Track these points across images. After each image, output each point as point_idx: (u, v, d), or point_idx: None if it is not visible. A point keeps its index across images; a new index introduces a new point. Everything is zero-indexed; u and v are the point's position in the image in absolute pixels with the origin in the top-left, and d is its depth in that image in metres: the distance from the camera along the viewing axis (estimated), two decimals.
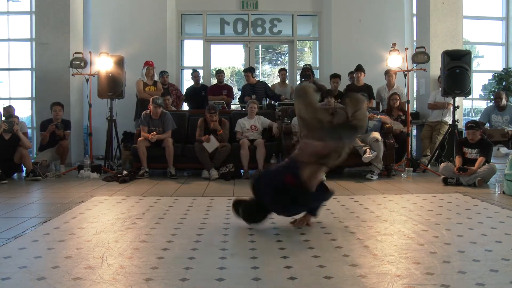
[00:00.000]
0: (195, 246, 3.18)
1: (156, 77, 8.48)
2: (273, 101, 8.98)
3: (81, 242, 3.26)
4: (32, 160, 6.99)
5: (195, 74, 9.30)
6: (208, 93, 9.00)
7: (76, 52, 7.51)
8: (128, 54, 8.22)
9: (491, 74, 10.86)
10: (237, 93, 10.60)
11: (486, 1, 11.24)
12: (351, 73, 8.72)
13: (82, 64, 7.36)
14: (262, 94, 8.71)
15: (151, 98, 7.16)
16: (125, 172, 6.70)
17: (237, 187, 6.00)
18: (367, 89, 8.22)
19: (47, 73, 8.31)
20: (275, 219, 3.99)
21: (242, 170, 6.94)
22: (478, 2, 11.03)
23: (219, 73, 9.29)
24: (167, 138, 6.94)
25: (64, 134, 7.32)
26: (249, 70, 9.02)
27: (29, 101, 10.21)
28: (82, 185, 6.15)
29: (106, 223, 3.86)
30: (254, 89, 8.76)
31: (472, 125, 6.08)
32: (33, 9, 9.06)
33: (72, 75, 7.66)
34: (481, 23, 11.22)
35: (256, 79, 9.08)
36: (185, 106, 9.51)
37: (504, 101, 7.50)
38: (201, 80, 9.57)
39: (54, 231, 3.59)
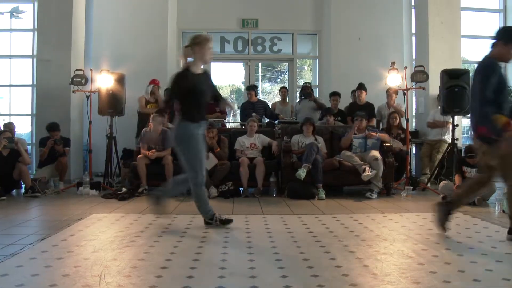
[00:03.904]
0: (194, 264, 3.16)
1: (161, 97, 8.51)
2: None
3: (79, 260, 3.24)
4: (31, 177, 6.98)
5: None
6: None
7: (77, 69, 7.56)
8: (129, 71, 8.25)
9: None
10: (236, 111, 10.62)
11: (483, 21, 11.34)
12: (353, 92, 8.74)
13: (83, 81, 7.41)
14: (261, 113, 8.72)
15: (152, 115, 7.18)
16: (124, 189, 6.69)
17: (236, 205, 5.99)
18: (368, 108, 8.25)
19: (48, 90, 8.35)
20: (274, 237, 3.98)
21: (242, 188, 6.92)
22: (476, 22, 11.12)
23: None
24: (167, 155, 6.93)
25: (63, 151, 7.33)
26: (252, 88, 9.02)
27: (29, 117, 10.23)
28: (81, 202, 6.14)
29: (105, 241, 3.84)
30: (254, 107, 8.77)
31: (472, 155, 6.09)
32: (35, 26, 9.16)
33: (73, 92, 7.68)
34: (479, 42, 11.30)
35: (257, 97, 9.09)
36: None
37: None
38: None
39: (52, 248, 3.57)
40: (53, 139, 7.25)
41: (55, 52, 8.38)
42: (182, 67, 4.40)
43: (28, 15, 10.18)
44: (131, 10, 9.91)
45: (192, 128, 4.29)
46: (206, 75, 4.58)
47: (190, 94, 4.31)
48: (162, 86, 8.86)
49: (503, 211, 5.36)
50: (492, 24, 11.19)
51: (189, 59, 4.46)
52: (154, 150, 6.97)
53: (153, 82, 8.36)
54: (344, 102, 8.82)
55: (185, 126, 4.27)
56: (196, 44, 4.33)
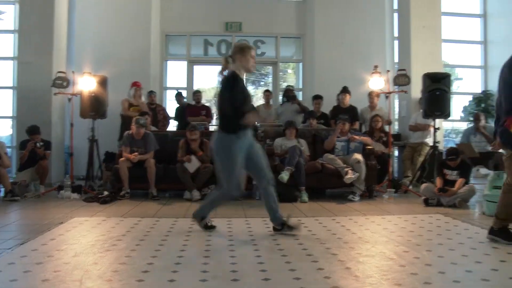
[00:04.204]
0: (176, 268, 3.14)
1: (143, 98, 8.47)
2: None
3: (59, 264, 3.20)
4: (11, 180, 6.88)
5: (197, 95, 9.23)
6: (187, 114, 8.97)
7: (59, 71, 7.48)
8: (111, 74, 8.18)
9: (471, 96, 11.07)
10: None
11: (465, 26, 11.50)
12: (339, 95, 8.78)
13: (65, 84, 7.33)
14: None
15: (134, 118, 7.13)
16: (106, 192, 6.63)
17: (219, 209, 5.94)
18: (352, 111, 8.30)
19: (29, 92, 8.25)
20: (256, 241, 3.98)
21: None
22: (457, 27, 11.28)
23: (197, 93, 9.30)
24: (149, 158, 6.89)
25: (44, 154, 7.24)
26: None
27: (10, 120, 10.09)
28: (62, 206, 6.07)
29: (86, 245, 3.79)
30: None
31: (453, 157, 6.17)
32: (17, 28, 9.04)
33: (54, 94, 7.61)
34: (460, 46, 11.47)
35: None
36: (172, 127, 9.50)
37: (482, 122, 7.62)
38: (185, 100, 9.59)
39: (32, 253, 3.52)
40: (33, 141, 7.16)
41: (37, 54, 8.29)
42: (230, 73, 4.13)
43: (9, 16, 10.06)
44: (114, 12, 9.84)
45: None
46: None
47: (246, 101, 4.15)
48: (144, 88, 8.84)
49: (483, 213, 5.43)
50: (473, 29, 11.36)
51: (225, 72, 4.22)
52: (136, 153, 6.92)
53: (135, 84, 8.32)
54: (327, 105, 8.84)
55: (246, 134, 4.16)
56: (237, 52, 4.15)
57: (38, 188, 7.24)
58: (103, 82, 7.56)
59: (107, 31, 9.77)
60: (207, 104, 9.85)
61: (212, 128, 9.29)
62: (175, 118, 9.39)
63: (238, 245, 3.85)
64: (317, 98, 8.68)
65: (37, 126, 7.29)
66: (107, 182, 7.62)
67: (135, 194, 6.98)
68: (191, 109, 9.17)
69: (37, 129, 7.25)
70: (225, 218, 5.13)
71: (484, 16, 11.19)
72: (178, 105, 9.47)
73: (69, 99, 7.42)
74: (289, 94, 8.86)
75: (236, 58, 4.14)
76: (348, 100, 8.50)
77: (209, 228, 4.44)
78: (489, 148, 7.38)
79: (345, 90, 8.49)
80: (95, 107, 7.46)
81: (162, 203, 6.40)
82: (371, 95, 8.45)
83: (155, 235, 4.26)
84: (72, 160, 7.51)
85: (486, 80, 11.07)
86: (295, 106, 8.71)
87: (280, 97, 10.04)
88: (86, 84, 7.34)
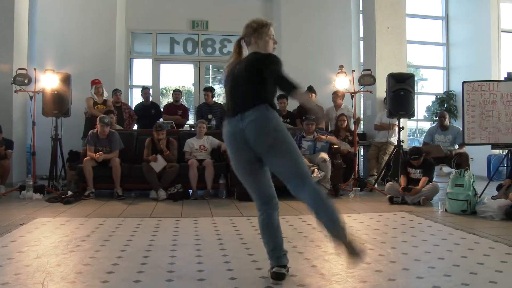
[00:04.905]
0: (142, 268, 3.10)
1: (105, 94, 8.35)
2: None
3: (20, 267, 3.11)
4: None
5: (145, 91, 9.13)
6: (163, 112, 8.92)
7: (19, 68, 7.27)
8: (75, 71, 8.02)
9: (434, 96, 11.32)
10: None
11: (428, 28, 11.76)
12: None
13: (26, 81, 7.13)
14: (218, 115, 8.66)
15: (99, 117, 7.02)
16: (70, 192, 6.49)
17: (185, 208, 5.93)
18: None
19: None
20: (223, 240, 3.97)
21: (191, 191, 6.86)
22: (421, 28, 11.53)
23: (176, 92, 9.24)
24: (114, 158, 6.79)
25: (5, 153, 7.03)
26: (210, 90, 8.94)
27: None
28: (24, 207, 5.91)
29: (48, 246, 3.71)
30: (211, 109, 8.72)
31: (416, 157, 6.28)
32: None
33: (15, 91, 7.38)
34: (424, 47, 11.72)
35: (213, 99, 9.02)
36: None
37: (447, 121, 7.79)
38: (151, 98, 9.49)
39: None
40: None
41: None
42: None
43: None
44: (78, 8, 9.64)
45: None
46: None
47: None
48: (109, 86, 8.70)
49: (446, 210, 5.56)
50: (435, 31, 11.62)
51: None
52: (101, 152, 6.81)
53: (94, 82, 8.22)
54: (292, 105, 8.87)
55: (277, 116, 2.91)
56: (251, 34, 3.07)
57: None
58: (66, 80, 7.38)
59: (71, 28, 9.56)
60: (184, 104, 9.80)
61: (185, 127, 9.24)
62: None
63: (204, 244, 3.83)
64: (282, 97, 8.69)
65: None
66: (71, 182, 7.47)
67: (100, 194, 6.87)
68: (168, 107, 9.10)
69: None
70: (192, 217, 5.11)
71: (446, 18, 11.45)
72: (141, 101, 9.30)
73: (31, 97, 7.22)
74: None
75: (251, 41, 3.09)
76: (314, 99, 8.54)
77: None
78: (455, 147, 7.55)
79: (310, 90, 8.54)
80: (58, 105, 7.29)
81: (128, 202, 6.32)
82: (335, 94, 8.53)
83: (121, 235, 4.20)
84: (34, 159, 7.32)
85: (448, 81, 11.34)
86: None
87: None
88: (48, 81, 7.15)
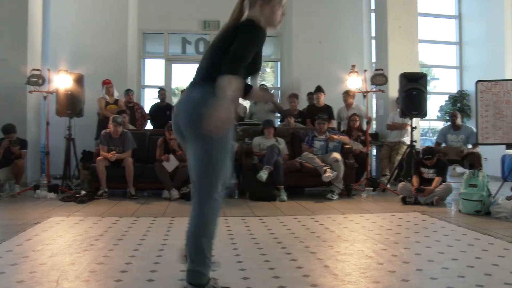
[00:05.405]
0: (155, 268, 3.12)
1: (116, 94, 8.41)
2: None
3: (35, 265, 3.15)
4: None
5: (161, 92, 9.19)
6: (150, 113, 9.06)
7: (33, 69, 7.35)
8: (88, 72, 8.08)
9: (447, 96, 11.24)
10: None
11: (440, 26, 11.68)
12: (310, 94, 8.82)
13: (40, 81, 7.21)
14: None
15: (111, 117, 7.06)
16: (83, 192, 6.55)
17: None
18: (327, 110, 8.33)
19: (3, 90, 8.05)
20: (235, 239, 3.97)
21: None
22: (433, 27, 11.45)
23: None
24: (127, 157, 6.83)
25: (20, 153, 7.10)
26: None
27: None
28: (38, 206, 5.97)
29: (63, 245, 3.74)
30: None
31: (429, 157, 6.25)
32: None
33: (29, 92, 7.46)
34: (436, 47, 11.64)
35: None
36: (149, 125, 9.41)
37: (459, 121, 7.73)
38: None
39: (6, 254, 3.45)
40: (8, 139, 7.01)
41: (10, 51, 8.09)
42: (249, 19, 2.57)
43: None
44: (90, 9, 9.72)
45: None
46: None
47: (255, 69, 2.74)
48: (122, 86, 8.75)
49: (459, 211, 5.52)
50: (448, 30, 11.54)
51: None
52: (114, 152, 6.85)
53: (105, 83, 8.33)
54: (302, 105, 8.85)
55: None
56: None
57: (13, 188, 7.09)
58: (79, 80, 7.45)
59: (84, 29, 9.64)
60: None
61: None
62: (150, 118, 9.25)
63: (217, 244, 3.81)
64: (293, 96, 8.68)
65: (12, 124, 7.15)
66: (84, 181, 7.51)
67: (113, 194, 6.92)
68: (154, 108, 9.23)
69: (12, 127, 7.11)
70: None
71: (459, 17, 11.37)
72: (157, 102, 9.35)
73: (45, 97, 7.30)
74: None
75: (256, 4, 2.58)
76: (323, 99, 8.53)
77: None
78: (468, 147, 7.49)
79: (319, 89, 8.53)
80: (71, 105, 7.36)
81: (141, 202, 6.35)
82: (345, 94, 8.50)
83: (134, 234, 4.22)
84: (48, 159, 7.40)
85: (461, 80, 11.26)
86: (269, 106, 8.70)
87: None
88: (62, 82, 7.22)
